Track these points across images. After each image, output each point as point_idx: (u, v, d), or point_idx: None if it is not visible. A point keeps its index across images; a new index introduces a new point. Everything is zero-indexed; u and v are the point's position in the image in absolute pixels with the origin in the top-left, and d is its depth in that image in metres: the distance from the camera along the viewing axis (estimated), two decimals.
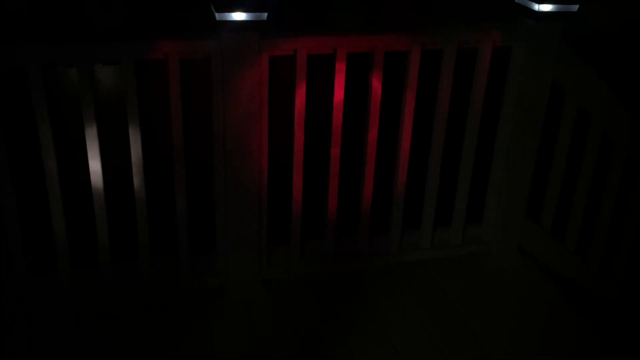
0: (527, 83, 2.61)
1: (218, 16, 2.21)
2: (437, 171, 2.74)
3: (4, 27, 2.76)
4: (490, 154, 2.82)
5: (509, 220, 2.85)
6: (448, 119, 2.64)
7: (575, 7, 2.47)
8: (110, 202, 2.47)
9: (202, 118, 2.44)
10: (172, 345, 2.39)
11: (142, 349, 2.37)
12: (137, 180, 2.43)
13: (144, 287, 2.60)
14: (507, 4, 2.62)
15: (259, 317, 2.55)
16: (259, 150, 2.44)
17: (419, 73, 2.54)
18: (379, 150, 2.63)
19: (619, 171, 2.46)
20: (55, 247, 2.46)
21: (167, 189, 2.51)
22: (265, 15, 2.23)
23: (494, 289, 2.77)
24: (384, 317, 2.57)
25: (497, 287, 2.78)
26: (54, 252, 2.46)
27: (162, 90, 2.35)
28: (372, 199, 2.71)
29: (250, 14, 2.22)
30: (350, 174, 2.67)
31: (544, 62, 2.57)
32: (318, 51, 2.44)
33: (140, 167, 2.41)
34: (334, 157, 2.58)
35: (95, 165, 2.36)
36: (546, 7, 2.46)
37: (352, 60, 2.45)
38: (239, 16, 2.21)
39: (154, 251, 2.58)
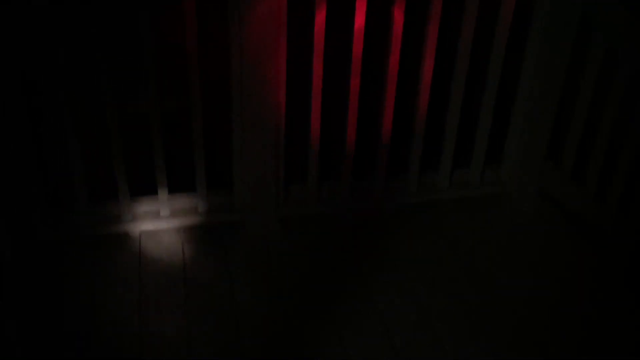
0: (555, 16, 2.53)
1: None
2: (458, 108, 2.69)
3: None
4: (512, 92, 2.76)
5: (529, 161, 2.82)
6: (470, 54, 2.58)
7: None
8: (128, 139, 2.47)
9: (218, 48, 2.39)
10: (191, 277, 2.41)
11: (162, 282, 2.39)
12: (153, 118, 2.41)
13: (162, 221, 2.61)
14: None
15: (276, 254, 2.56)
16: (276, 81, 2.39)
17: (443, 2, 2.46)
18: (398, 86, 2.58)
19: None
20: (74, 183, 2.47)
21: (184, 125, 2.49)
22: None
23: (512, 230, 2.75)
24: (399, 255, 2.57)
25: (516, 229, 2.76)
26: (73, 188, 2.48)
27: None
28: (390, 137, 2.67)
29: None
30: (368, 113, 2.64)
31: None
32: None
33: (156, 102, 2.39)
34: (354, 89, 2.52)
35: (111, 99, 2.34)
36: None
37: None
38: None
39: (172, 189, 2.58)
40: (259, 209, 2.62)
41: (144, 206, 2.61)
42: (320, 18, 2.36)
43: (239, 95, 2.40)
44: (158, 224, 2.61)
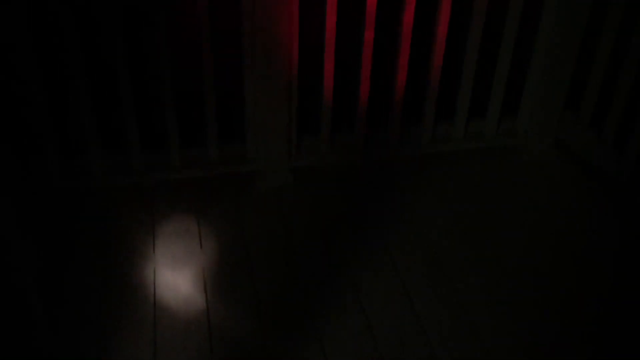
0: None
1: None
2: (475, 57, 2.63)
3: None
4: (530, 42, 2.69)
5: (547, 110, 2.76)
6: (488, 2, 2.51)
7: None
8: (138, 90, 2.44)
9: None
10: (205, 225, 2.41)
11: (175, 232, 2.40)
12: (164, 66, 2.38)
13: (174, 173, 2.60)
14: None
15: (289, 205, 2.55)
16: (289, 32, 2.34)
17: None
18: (413, 35, 2.52)
19: None
20: (85, 132, 2.45)
21: (196, 76, 2.46)
22: None
23: (528, 181, 2.72)
24: (414, 206, 2.55)
25: (532, 179, 2.73)
26: (85, 137, 2.47)
27: None
28: (405, 88, 2.62)
29: None
30: (383, 63, 2.59)
31: None
32: None
33: (167, 53, 2.35)
34: (368, 41, 2.47)
35: (120, 51, 2.31)
36: None
37: None
38: None
39: (185, 142, 2.57)
40: (271, 160, 2.60)
41: (157, 157, 2.59)
42: None
43: (251, 46, 2.36)
44: (170, 175, 2.59)
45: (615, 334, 2.07)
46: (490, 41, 2.64)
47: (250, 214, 2.49)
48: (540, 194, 2.65)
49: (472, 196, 2.62)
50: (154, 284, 2.17)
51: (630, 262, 2.33)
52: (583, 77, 2.67)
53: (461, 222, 2.48)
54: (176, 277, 2.22)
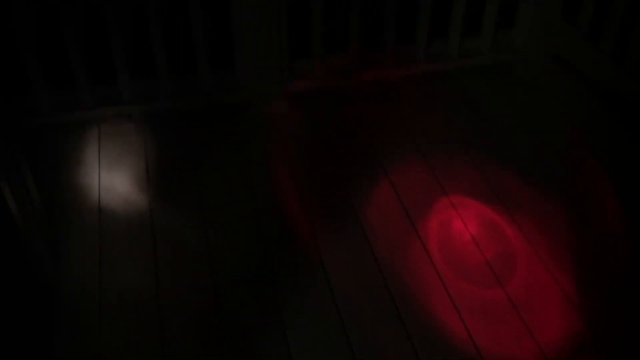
0: None
1: None
2: None
3: None
4: None
5: (543, 22, 2.70)
6: None
7: None
8: (126, 19, 2.37)
9: None
10: (200, 154, 2.40)
11: (171, 163, 2.38)
12: None
13: (165, 102, 2.55)
14: None
15: (284, 130, 2.52)
16: None
17: None
18: None
19: None
20: (72, 65, 2.39)
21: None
22: None
23: (525, 96, 2.69)
24: (410, 125, 2.53)
25: (530, 94, 2.70)
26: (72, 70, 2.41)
27: None
28: (398, 6, 2.55)
29: None
30: None
31: None
32: None
33: None
34: None
35: None
36: None
37: None
38: None
39: (174, 70, 2.51)
40: (263, 87, 2.56)
41: (146, 87, 2.54)
42: None
43: None
44: (161, 105, 2.55)
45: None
46: None
47: (245, 143, 2.46)
48: (538, 110, 2.62)
49: (469, 111, 2.60)
50: (150, 210, 2.17)
51: (623, 168, 2.34)
52: None
53: (459, 136, 2.47)
54: (172, 204, 2.21)
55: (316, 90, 2.66)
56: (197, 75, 2.53)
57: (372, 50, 2.67)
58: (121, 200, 2.22)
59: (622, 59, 2.51)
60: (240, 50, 2.50)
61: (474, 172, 2.32)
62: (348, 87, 2.70)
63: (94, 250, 2.04)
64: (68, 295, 1.91)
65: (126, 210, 2.18)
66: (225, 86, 2.59)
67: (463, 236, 2.10)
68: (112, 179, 2.30)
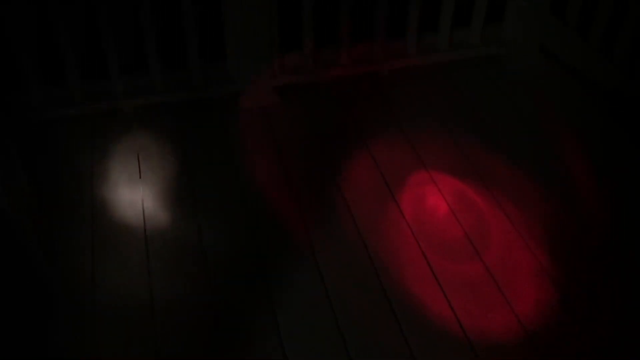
0: None
1: None
2: None
3: None
4: None
5: (532, 15, 2.71)
6: None
7: None
8: (117, 14, 2.37)
9: None
10: (192, 148, 2.41)
11: (163, 157, 2.38)
12: None
13: (156, 96, 2.55)
14: None
15: (275, 124, 2.53)
16: None
17: None
18: None
19: None
20: (64, 58, 2.39)
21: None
22: None
23: (514, 89, 2.71)
24: (400, 117, 2.55)
25: (518, 87, 2.71)
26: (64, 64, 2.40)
27: None
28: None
29: None
30: None
31: None
32: None
33: None
34: None
35: None
36: None
37: None
38: None
39: (166, 64, 2.51)
40: (254, 79, 2.56)
41: (137, 82, 2.54)
42: None
43: None
44: (151, 99, 2.55)
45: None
46: None
47: (235, 135, 2.48)
48: (525, 98, 2.65)
49: (458, 104, 2.62)
50: (142, 204, 2.18)
51: (611, 161, 2.37)
52: None
53: (448, 129, 2.49)
54: (165, 198, 2.22)
55: (307, 84, 2.67)
56: (188, 69, 2.53)
57: (362, 44, 2.68)
58: (114, 194, 2.23)
59: (610, 52, 2.53)
60: (231, 44, 2.50)
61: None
62: (338, 80, 2.71)
63: (87, 245, 2.04)
64: (61, 292, 1.91)
65: (119, 205, 2.19)
66: (216, 80, 2.59)
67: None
68: (104, 173, 2.30)
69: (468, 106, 2.62)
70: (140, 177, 2.29)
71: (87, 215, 2.14)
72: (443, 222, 2.13)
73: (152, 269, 1.97)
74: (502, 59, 2.83)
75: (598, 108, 2.59)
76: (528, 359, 1.75)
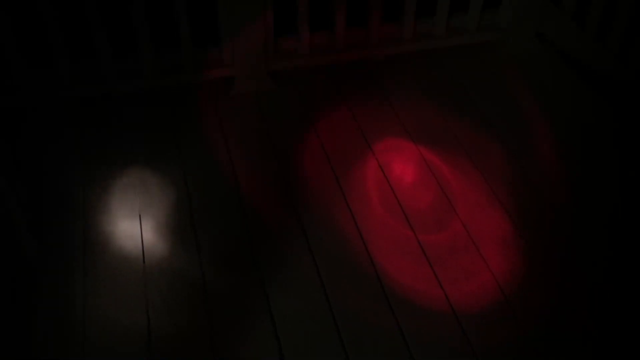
0: None
1: None
2: None
3: None
4: None
5: (529, 2, 2.69)
6: None
7: None
8: None
9: None
10: (185, 134, 2.38)
11: (152, 140, 2.35)
12: None
13: (147, 81, 2.51)
14: None
15: (269, 108, 2.50)
16: None
17: None
18: None
19: None
20: (52, 41, 2.33)
21: None
22: None
23: (510, 75, 2.69)
24: (395, 104, 2.53)
25: (514, 73, 2.70)
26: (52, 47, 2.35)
27: None
28: None
29: None
30: None
31: None
32: None
33: None
34: None
35: None
36: None
37: None
38: None
39: (158, 46, 2.46)
40: (248, 64, 2.53)
41: (125, 65, 2.49)
42: None
43: None
44: (143, 83, 2.51)
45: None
46: None
47: (229, 120, 2.44)
48: (522, 88, 2.63)
49: (453, 90, 2.61)
50: (134, 190, 2.15)
51: (603, 150, 2.38)
52: None
53: (444, 114, 2.48)
54: (155, 183, 2.19)
55: (301, 68, 2.64)
56: (180, 52, 2.49)
57: (358, 29, 2.65)
58: (103, 178, 2.20)
59: (606, 39, 2.51)
60: (225, 27, 2.46)
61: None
62: (333, 65, 2.68)
63: (78, 232, 2.02)
64: (50, 278, 1.89)
65: (109, 189, 2.16)
66: (209, 63, 2.55)
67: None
68: (93, 157, 2.27)
69: (460, 89, 2.61)
70: (130, 161, 2.26)
71: (79, 200, 2.11)
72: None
73: (146, 253, 1.95)
74: (498, 45, 2.81)
75: (593, 94, 2.58)
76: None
